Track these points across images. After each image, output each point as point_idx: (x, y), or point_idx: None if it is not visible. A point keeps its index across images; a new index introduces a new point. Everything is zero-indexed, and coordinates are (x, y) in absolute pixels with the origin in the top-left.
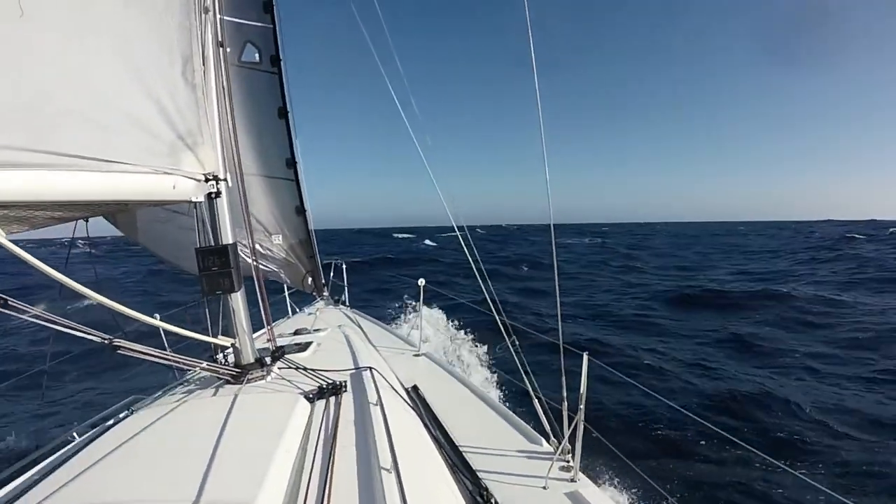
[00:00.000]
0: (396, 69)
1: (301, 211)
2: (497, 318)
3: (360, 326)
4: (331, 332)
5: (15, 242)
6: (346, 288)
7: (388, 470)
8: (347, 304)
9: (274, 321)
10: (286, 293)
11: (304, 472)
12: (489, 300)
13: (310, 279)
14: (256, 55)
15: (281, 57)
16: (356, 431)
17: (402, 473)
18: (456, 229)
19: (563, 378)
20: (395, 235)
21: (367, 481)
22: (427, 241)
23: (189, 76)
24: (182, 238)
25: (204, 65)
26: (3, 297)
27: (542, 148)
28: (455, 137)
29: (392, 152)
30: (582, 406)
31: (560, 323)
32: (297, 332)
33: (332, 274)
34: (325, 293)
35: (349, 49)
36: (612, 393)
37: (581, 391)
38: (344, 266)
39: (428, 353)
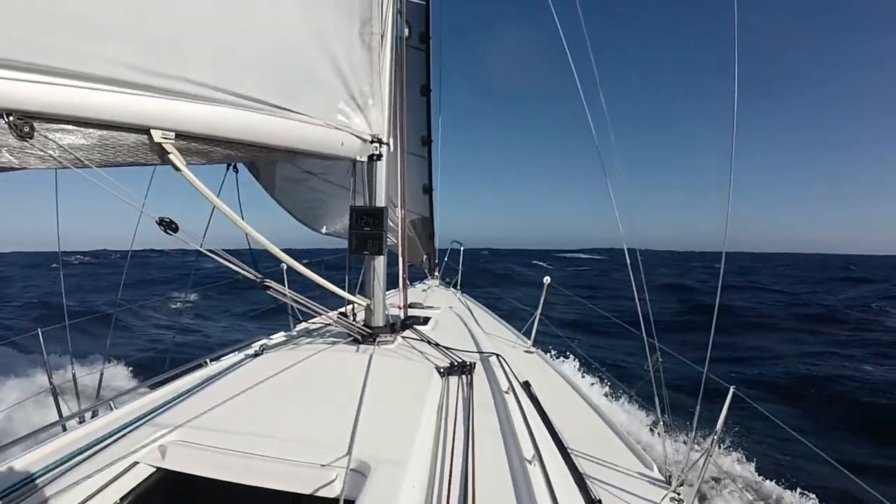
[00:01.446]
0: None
1: (428, 189)
2: (643, 333)
3: (471, 311)
4: (445, 312)
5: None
6: (460, 271)
7: (529, 461)
8: (459, 287)
9: (388, 290)
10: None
11: (446, 445)
12: (640, 314)
13: (425, 256)
14: (406, 31)
15: (430, 35)
16: (491, 416)
17: (546, 466)
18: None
19: (699, 406)
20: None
21: (511, 466)
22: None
23: (366, 38)
24: (311, 198)
25: (382, 30)
26: (171, 219)
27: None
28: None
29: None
30: (714, 444)
31: (710, 348)
32: (411, 306)
33: (447, 256)
34: (437, 273)
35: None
36: (757, 437)
37: (717, 427)
38: (462, 249)
39: (538, 351)
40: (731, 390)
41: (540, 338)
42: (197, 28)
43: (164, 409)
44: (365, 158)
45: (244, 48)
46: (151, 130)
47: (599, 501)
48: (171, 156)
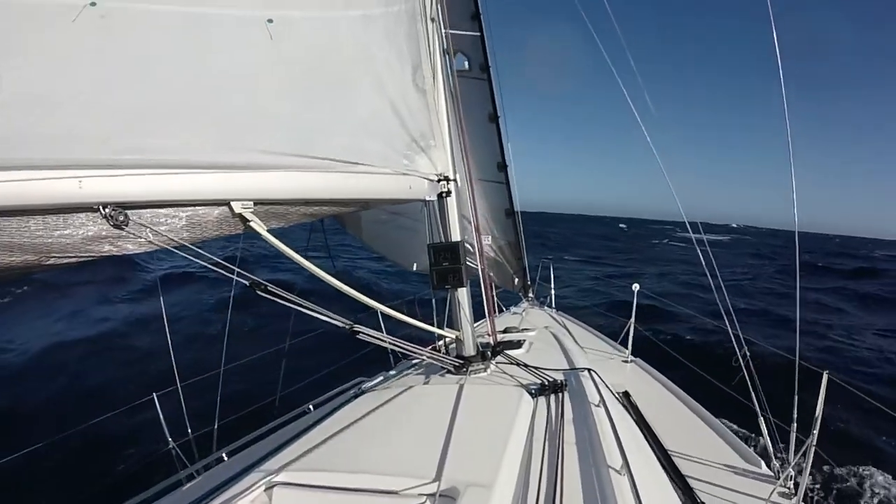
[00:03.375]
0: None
1: (511, 213)
2: (730, 329)
3: (566, 328)
4: (540, 332)
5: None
6: (552, 289)
7: (618, 471)
8: (553, 305)
9: (480, 317)
10: (493, 292)
11: (535, 465)
12: (723, 311)
13: (517, 279)
14: (466, 63)
15: (490, 64)
16: (581, 431)
17: (635, 477)
18: (690, 233)
19: (796, 397)
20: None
21: (599, 480)
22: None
23: (419, 82)
24: (401, 237)
25: (433, 71)
26: (264, 282)
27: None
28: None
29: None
30: (815, 430)
31: (798, 337)
32: (505, 331)
33: (538, 275)
34: (531, 294)
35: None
36: (855, 420)
37: (816, 414)
38: (552, 267)
39: (638, 360)
40: (826, 375)
41: (641, 345)
42: (265, 101)
43: (269, 455)
44: (434, 197)
45: (306, 113)
46: (231, 203)
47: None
48: (251, 223)
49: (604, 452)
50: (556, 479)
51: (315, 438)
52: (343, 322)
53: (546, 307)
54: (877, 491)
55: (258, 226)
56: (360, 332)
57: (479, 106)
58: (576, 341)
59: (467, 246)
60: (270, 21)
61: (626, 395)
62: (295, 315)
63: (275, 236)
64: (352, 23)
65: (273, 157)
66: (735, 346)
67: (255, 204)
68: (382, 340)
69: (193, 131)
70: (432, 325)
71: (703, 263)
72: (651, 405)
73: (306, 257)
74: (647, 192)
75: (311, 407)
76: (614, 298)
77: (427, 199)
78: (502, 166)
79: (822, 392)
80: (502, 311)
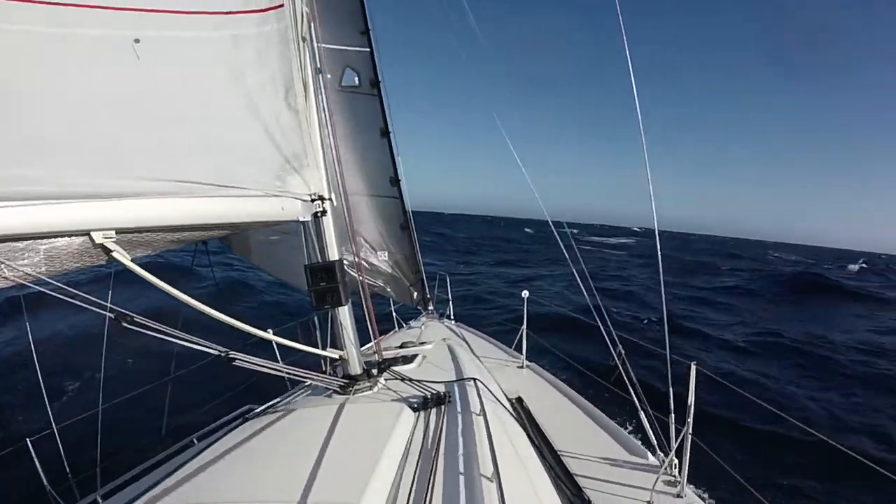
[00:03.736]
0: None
1: (405, 227)
2: (602, 327)
3: (464, 339)
4: (436, 346)
5: (138, 264)
6: (450, 301)
7: (489, 478)
8: (452, 317)
9: (380, 335)
10: (392, 307)
11: (406, 479)
12: (593, 308)
13: (415, 293)
14: (356, 79)
15: (380, 79)
16: (459, 441)
17: (503, 482)
18: (553, 228)
19: (671, 389)
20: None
21: (469, 490)
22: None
23: (292, 102)
24: (292, 257)
25: (305, 90)
26: (130, 314)
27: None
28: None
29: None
30: (690, 419)
31: (667, 332)
32: (402, 346)
33: (436, 287)
34: (431, 307)
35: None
36: (725, 405)
37: (689, 402)
38: (448, 279)
39: (532, 365)
40: (693, 366)
41: (535, 350)
42: (129, 125)
43: (145, 492)
44: (309, 218)
45: (174, 137)
46: (91, 233)
47: (589, 501)
48: (114, 253)
49: (478, 462)
50: (427, 492)
51: (191, 471)
52: (218, 350)
53: (446, 319)
54: (747, 470)
55: (121, 255)
56: (237, 358)
57: (372, 122)
58: (472, 351)
59: (364, 263)
60: (137, 41)
61: (520, 400)
62: (178, 346)
63: (140, 264)
64: (222, 43)
65: (137, 184)
66: (610, 345)
67: (118, 233)
68: (262, 366)
69: (52, 159)
70: (317, 346)
71: (571, 265)
72: (543, 408)
73: (177, 285)
74: (552, 195)
75: (195, 439)
76: (515, 304)
77: (301, 219)
78: (395, 181)
79: (693, 382)
80: (402, 325)
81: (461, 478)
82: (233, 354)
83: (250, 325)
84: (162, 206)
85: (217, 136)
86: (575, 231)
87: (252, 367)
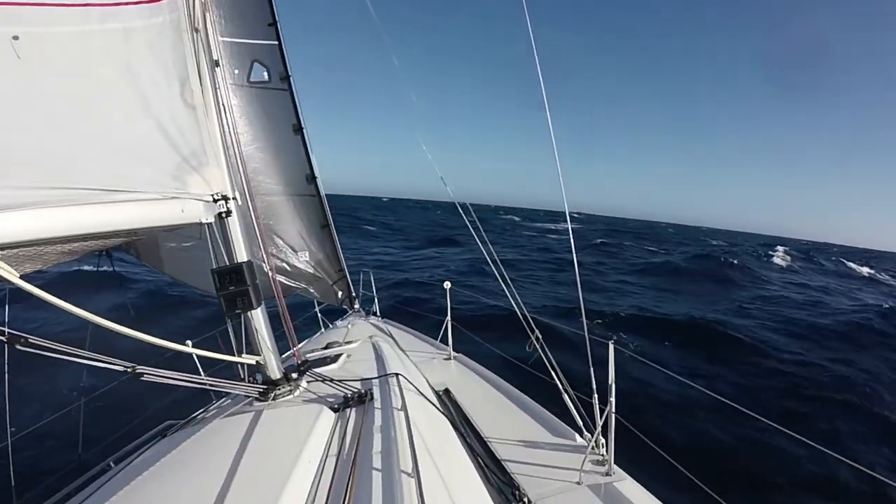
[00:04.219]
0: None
1: (325, 225)
2: (519, 312)
3: (391, 335)
4: (361, 344)
5: (28, 280)
6: (375, 298)
7: (408, 474)
8: (378, 314)
9: (305, 337)
10: (317, 308)
11: (324, 482)
12: (510, 295)
13: (339, 292)
14: (265, 73)
15: (290, 73)
16: (378, 438)
17: (421, 476)
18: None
19: (592, 370)
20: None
21: (388, 487)
22: None
23: (188, 97)
24: (207, 263)
25: (201, 84)
26: (24, 335)
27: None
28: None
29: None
30: (612, 398)
31: (584, 314)
32: (328, 346)
33: (361, 285)
34: (356, 305)
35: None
36: (646, 382)
37: (609, 382)
38: (372, 276)
39: (459, 356)
40: (611, 344)
41: (462, 341)
42: (7, 129)
43: None
44: (212, 219)
45: (59, 140)
46: None
47: (518, 487)
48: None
49: (398, 458)
50: (347, 493)
51: (105, 495)
52: (125, 366)
53: (372, 316)
54: (671, 444)
55: (7, 272)
56: (145, 373)
57: (283, 118)
58: (398, 347)
59: (285, 265)
60: (16, 38)
61: (447, 391)
62: (87, 367)
63: (29, 281)
64: (110, 37)
65: (17, 193)
66: (528, 330)
67: (1, 248)
68: (174, 379)
69: None
70: (231, 354)
71: (484, 252)
72: (471, 399)
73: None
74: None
75: (111, 463)
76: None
77: (204, 221)
78: (311, 178)
79: (612, 360)
80: (328, 326)
81: (380, 475)
82: (140, 369)
83: (173, 336)
84: (48, 217)
85: (107, 137)
86: (517, 218)
87: (163, 381)
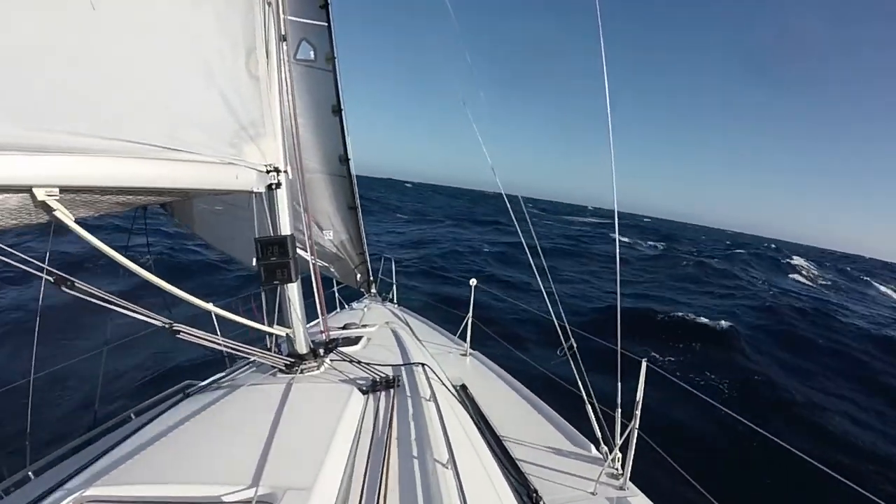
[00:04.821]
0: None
1: (353, 207)
2: (555, 320)
3: (407, 323)
4: (379, 328)
5: (81, 225)
6: (394, 285)
7: (444, 465)
8: (395, 301)
9: (318, 316)
10: (335, 288)
11: (360, 463)
12: (548, 301)
13: (359, 275)
14: (312, 53)
15: (335, 55)
16: (410, 426)
17: (459, 469)
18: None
19: (619, 384)
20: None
21: (424, 475)
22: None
23: (252, 68)
24: (237, 229)
25: (267, 58)
26: (70, 278)
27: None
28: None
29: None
30: (637, 413)
31: (619, 328)
32: (345, 327)
33: (380, 270)
34: (374, 290)
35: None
36: (673, 403)
37: (637, 399)
38: (393, 262)
39: (476, 353)
40: (644, 363)
41: (479, 338)
42: (76, 77)
43: (81, 469)
44: (263, 189)
45: (126, 94)
46: (34, 189)
47: (535, 491)
48: (56, 212)
49: (431, 447)
50: (382, 477)
51: (131, 448)
52: (163, 321)
53: (388, 303)
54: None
55: (64, 215)
56: (181, 331)
57: (324, 98)
58: (415, 336)
59: (308, 241)
60: None
61: (464, 387)
62: (113, 316)
63: (84, 227)
64: (181, 3)
65: (83, 140)
66: (561, 337)
67: (62, 191)
68: (207, 340)
69: None
70: (262, 322)
71: (533, 259)
72: (487, 397)
73: (124, 250)
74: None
75: (132, 415)
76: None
77: (255, 190)
78: (344, 159)
79: (642, 378)
80: (344, 307)
81: (416, 463)
82: (177, 326)
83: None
84: (110, 166)
85: (171, 97)
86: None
87: (196, 340)
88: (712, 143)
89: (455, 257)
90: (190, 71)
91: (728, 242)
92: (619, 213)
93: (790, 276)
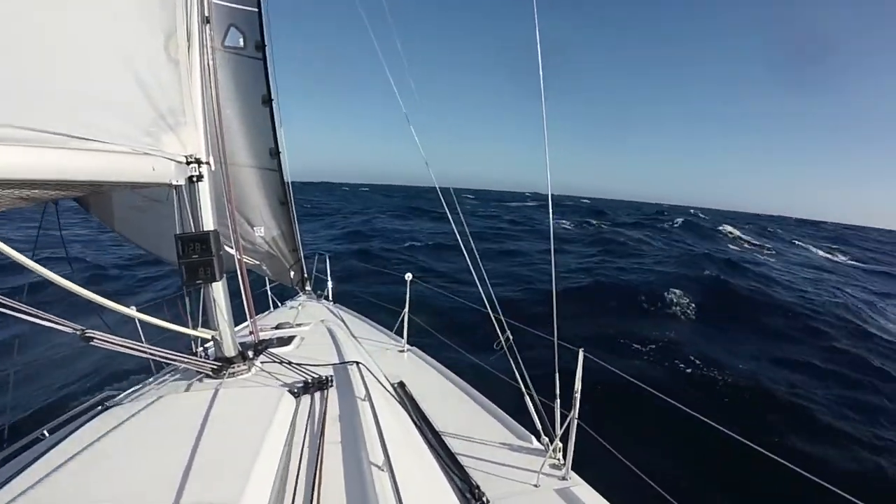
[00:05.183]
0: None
1: (284, 202)
2: (490, 313)
3: (343, 321)
4: (314, 327)
5: None
6: (329, 282)
7: (379, 467)
8: (331, 298)
9: (254, 316)
10: (268, 287)
11: (291, 470)
12: (482, 294)
13: (292, 272)
14: (241, 40)
15: (266, 43)
16: (344, 427)
17: (395, 471)
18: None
19: (557, 375)
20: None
21: (359, 479)
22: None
23: (172, 52)
24: (162, 227)
25: (189, 41)
26: None
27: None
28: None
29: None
30: (576, 404)
31: (555, 318)
32: (278, 327)
33: (314, 267)
34: (308, 287)
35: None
36: (612, 390)
37: (575, 388)
38: (328, 259)
39: (414, 349)
40: (581, 352)
41: (418, 333)
42: None
43: None
44: (183, 182)
45: (30, 76)
46: None
47: (477, 487)
48: None
49: (366, 449)
50: (315, 483)
51: (42, 470)
52: (73, 328)
53: (324, 300)
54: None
55: None
56: (94, 338)
57: (254, 88)
58: (351, 334)
59: (234, 237)
60: None
61: (402, 384)
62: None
63: None
64: None
65: None
66: (498, 330)
67: None
68: (125, 346)
69: None
70: (185, 326)
71: (462, 244)
72: (426, 393)
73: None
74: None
75: (45, 432)
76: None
77: (174, 182)
78: (275, 152)
79: (580, 368)
80: (278, 306)
81: (350, 466)
82: (90, 333)
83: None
84: (10, 155)
85: (82, 80)
86: (471, 197)
87: (113, 347)
88: (635, 122)
89: (392, 252)
90: (105, 53)
91: (655, 211)
92: (558, 196)
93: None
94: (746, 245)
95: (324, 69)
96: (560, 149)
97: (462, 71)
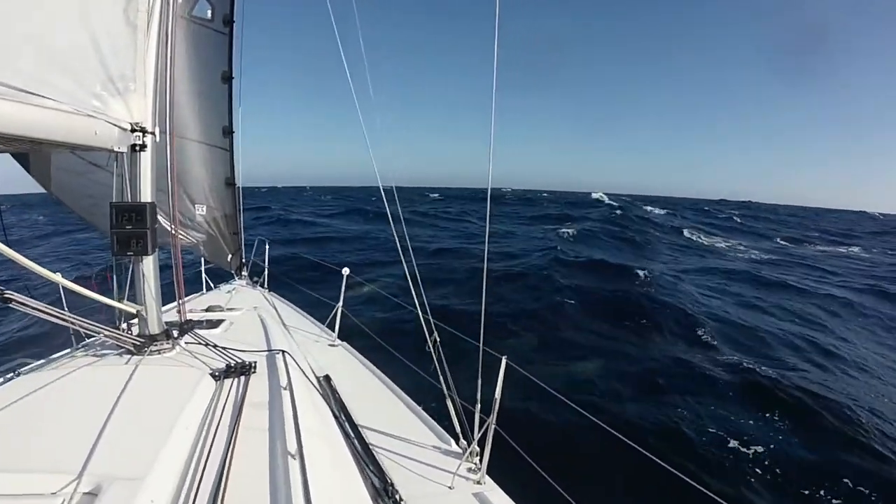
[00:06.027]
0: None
1: (231, 183)
2: (420, 314)
3: (276, 309)
4: (245, 313)
5: None
6: (266, 268)
7: (292, 455)
8: (266, 285)
9: (186, 295)
10: (202, 267)
11: (203, 452)
12: (415, 297)
13: (230, 255)
14: (209, 12)
15: (234, 19)
16: (262, 414)
17: (306, 460)
18: (382, 193)
19: (479, 380)
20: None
21: (271, 465)
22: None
23: (132, 15)
24: (98, 194)
25: (150, 7)
26: None
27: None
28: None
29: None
30: (495, 409)
31: (483, 325)
32: (209, 309)
33: (253, 252)
34: (245, 272)
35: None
36: (531, 398)
37: (495, 395)
38: (267, 245)
39: (344, 344)
40: (504, 360)
41: (350, 329)
42: None
43: None
44: (125, 150)
45: None
46: None
47: (392, 484)
48: None
49: (282, 437)
50: (225, 466)
51: None
52: None
53: (259, 287)
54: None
55: None
56: (12, 298)
57: (216, 62)
58: (282, 323)
59: (179, 214)
60: None
61: (327, 378)
62: None
63: None
64: None
65: None
66: (426, 331)
67: None
68: (45, 312)
69: None
70: (112, 298)
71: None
72: (351, 388)
73: None
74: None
75: None
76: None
77: (116, 149)
78: (228, 132)
79: (501, 374)
80: (211, 288)
81: (263, 453)
82: (9, 294)
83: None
84: None
85: (31, 35)
86: (436, 195)
87: (32, 311)
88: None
89: (338, 249)
90: (62, 6)
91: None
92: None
93: None
94: None
95: (292, 58)
96: (540, 143)
97: (439, 70)
